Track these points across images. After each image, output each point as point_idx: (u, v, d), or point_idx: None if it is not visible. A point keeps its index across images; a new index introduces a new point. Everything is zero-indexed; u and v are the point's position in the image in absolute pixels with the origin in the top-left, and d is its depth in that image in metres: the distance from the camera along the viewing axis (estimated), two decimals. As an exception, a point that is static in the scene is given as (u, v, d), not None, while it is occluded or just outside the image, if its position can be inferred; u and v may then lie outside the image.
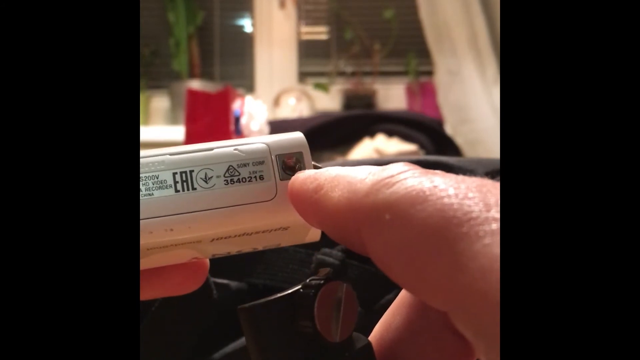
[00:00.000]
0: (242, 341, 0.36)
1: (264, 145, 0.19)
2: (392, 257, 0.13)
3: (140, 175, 0.18)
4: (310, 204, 0.16)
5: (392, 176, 0.13)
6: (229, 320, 0.34)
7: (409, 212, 0.12)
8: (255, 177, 0.19)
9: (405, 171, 0.14)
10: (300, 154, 0.20)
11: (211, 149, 0.19)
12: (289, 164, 0.19)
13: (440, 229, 0.12)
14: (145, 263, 0.19)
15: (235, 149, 0.19)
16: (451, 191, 0.12)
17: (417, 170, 0.14)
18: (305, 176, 0.17)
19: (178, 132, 1.43)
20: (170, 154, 0.19)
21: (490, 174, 0.33)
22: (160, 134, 1.65)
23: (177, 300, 0.22)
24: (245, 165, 0.19)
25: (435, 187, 0.12)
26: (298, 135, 0.20)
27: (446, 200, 0.12)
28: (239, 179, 0.19)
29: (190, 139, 1.27)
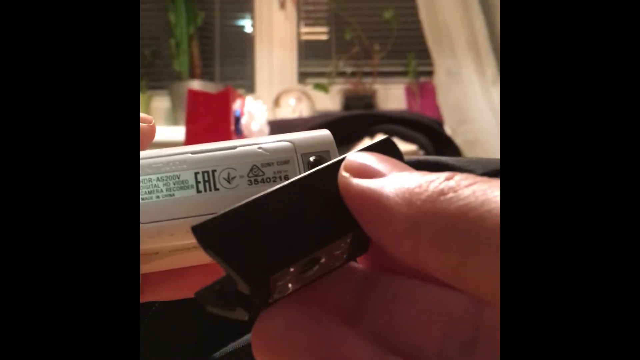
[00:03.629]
0: (242, 341, 0.36)
1: (289, 143, 0.19)
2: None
3: (161, 175, 0.17)
4: (366, 200, 0.14)
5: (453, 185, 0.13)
6: (229, 320, 0.34)
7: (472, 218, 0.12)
8: (280, 177, 0.18)
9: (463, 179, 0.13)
10: (327, 152, 0.19)
11: (234, 147, 0.18)
12: (316, 163, 0.18)
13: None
14: (165, 264, 0.18)
15: (259, 148, 0.18)
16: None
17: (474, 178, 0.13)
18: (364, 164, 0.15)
19: (179, 132, 1.43)
20: (192, 153, 0.18)
21: (489, 174, 0.33)
22: (161, 134, 1.65)
23: (178, 299, 0.22)
24: (269, 164, 0.18)
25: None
26: (325, 133, 0.19)
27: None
28: (263, 179, 0.18)
29: (190, 139, 1.27)
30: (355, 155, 0.15)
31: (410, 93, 1.94)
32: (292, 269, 0.14)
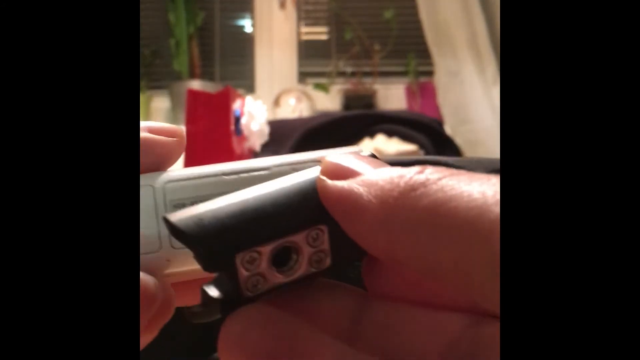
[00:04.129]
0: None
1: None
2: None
3: (195, 194, 0.17)
4: (345, 208, 0.15)
5: (424, 178, 0.13)
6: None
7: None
8: None
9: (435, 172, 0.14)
10: None
11: (268, 169, 0.18)
12: None
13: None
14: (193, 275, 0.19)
15: (293, 169, 0.18)
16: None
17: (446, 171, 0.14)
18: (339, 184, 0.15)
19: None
20: (225, 174, 0.18)
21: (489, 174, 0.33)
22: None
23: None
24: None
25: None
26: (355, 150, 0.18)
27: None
28: None
29: (190, 139, 1.27)
30: (331, 157, 0.16)
31: (410, 93, 1.94)
32: (260, 253, 0.15)
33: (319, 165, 0.16)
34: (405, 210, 0.13)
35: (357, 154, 0.16)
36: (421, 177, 0.13)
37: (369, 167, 0.15)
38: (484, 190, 0.12)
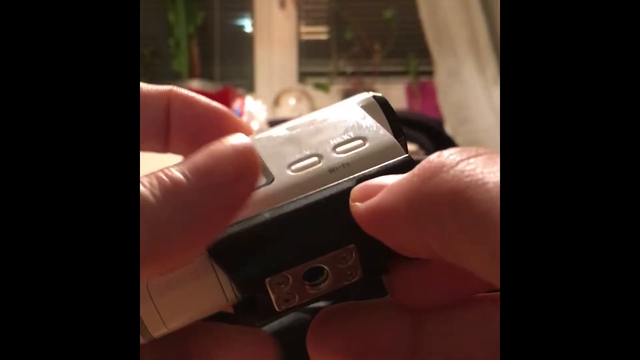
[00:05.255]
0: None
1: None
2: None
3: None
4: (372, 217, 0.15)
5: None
6: (229, 320, 0.34)
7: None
8: None
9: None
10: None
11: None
12: None
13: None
14: None
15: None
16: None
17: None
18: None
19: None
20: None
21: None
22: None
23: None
24: None
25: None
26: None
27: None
28: None
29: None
30: (360, 185, 0.16)
31: (410, 93, 1.94)
32: (289, 276, 0.15)
33: (345, 184, 0.16)
34: (427, 199, 0.13)
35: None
36: (440, 161, 0.14)
37: (392, 177, 0.15)
38: (498, 179, 0.12)
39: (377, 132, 0.18)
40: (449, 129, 1.72)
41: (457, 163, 0.13)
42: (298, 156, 0.18)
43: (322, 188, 0.16)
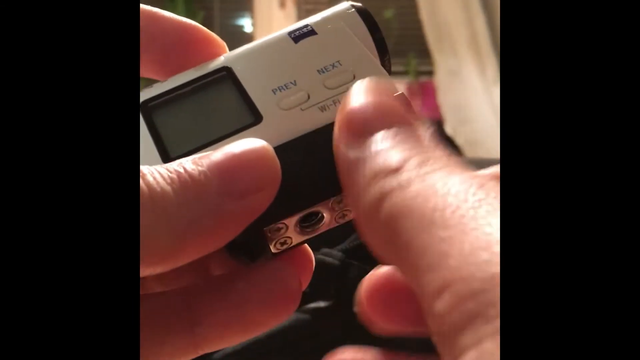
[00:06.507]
0: (241, 343, 0.35)
1: None
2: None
3: None
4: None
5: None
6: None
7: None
8: None
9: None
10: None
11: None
12: None
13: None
14: None
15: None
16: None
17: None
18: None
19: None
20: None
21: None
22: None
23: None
24: None
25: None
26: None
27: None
28: None
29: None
30: (355, 103, 0.14)
31: (410, 92, 1.94)
32: (286, 222, 0.16)
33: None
34: (373, 218, 0.13)
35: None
36: (392, 184, 0.13)
37: (378, 131, 0.14)
38: (436, 203, 0.12)
39: (364, 59, 0.18)
40: (448, 129, 1.72)
41: (411, 181, 0.12)
42: (283, 86, 0.17)
43: (314, 128, 0.16)
